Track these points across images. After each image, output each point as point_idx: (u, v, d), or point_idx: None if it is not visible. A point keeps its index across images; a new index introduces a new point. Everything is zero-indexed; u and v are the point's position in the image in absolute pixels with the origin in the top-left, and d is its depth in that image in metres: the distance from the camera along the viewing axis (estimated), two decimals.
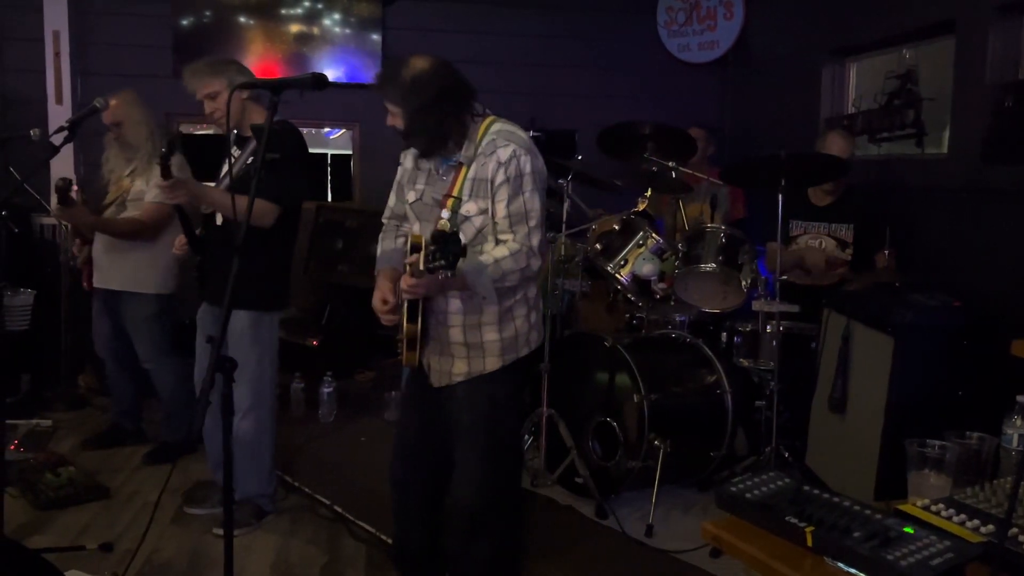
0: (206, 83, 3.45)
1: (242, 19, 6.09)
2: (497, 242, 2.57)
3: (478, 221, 2.55)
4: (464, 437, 2.69)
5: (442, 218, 2.57)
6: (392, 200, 2.89)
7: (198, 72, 3.46)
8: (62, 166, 5.42)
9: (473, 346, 2.64)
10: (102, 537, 3.45)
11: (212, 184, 3.62)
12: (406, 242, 2.75)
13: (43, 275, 5.04)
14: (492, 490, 2.72)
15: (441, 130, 2.54)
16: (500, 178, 2.52)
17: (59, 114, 5.58)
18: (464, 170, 2.57)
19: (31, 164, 3.58)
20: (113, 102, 4.09)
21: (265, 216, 3.31)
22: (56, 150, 3.44)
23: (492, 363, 2.66)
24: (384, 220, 2.91)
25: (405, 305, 2.56)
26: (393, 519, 3.01)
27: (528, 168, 2.54)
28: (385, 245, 2.86)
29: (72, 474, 3.95)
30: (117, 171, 4.23)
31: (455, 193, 2.57)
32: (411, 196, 2.73)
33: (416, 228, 2.70)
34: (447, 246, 2.20)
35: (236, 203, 2.51)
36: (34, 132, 3.85)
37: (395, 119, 2.56)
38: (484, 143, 2.56)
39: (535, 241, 2.56)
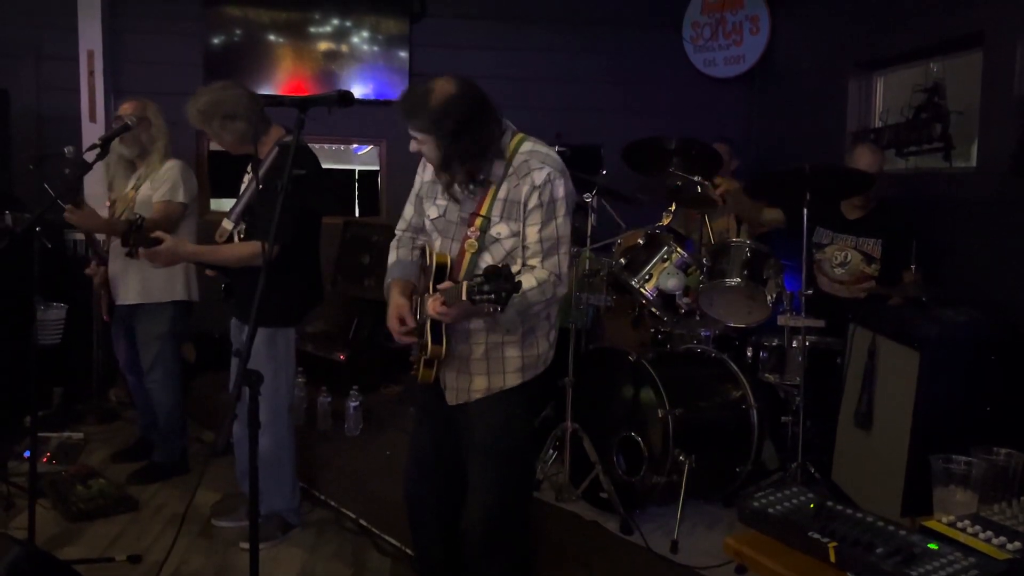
0: (199, 122, 3.49)
1: (272, 37, 6.17)
2: (523, 265, 2.52)
3: (508, 244, 2.52)
4: (477, 455, 2.68)
5: (469, 237, 2.52)
6: (409, 211, 2.82)
7: (191, 116, 3.48)
8: (95, 183, 5.52)
9: (494, 361, 2.62)
10: (131, 549, 3.50)
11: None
12: (422, 255, 2.72)
13: (75, 290, 5.12)
14: (504, 513, 2.70)
15: (478, 153, 2.46)
16: (534, 202, 2.48)
17: (93, 132, 5.68)
18: (493, 189, 2.51)
19: (65, 180, 3.65)
20: (127, 106, 4.15)
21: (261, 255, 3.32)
22: (88, 167, 3.50)
23: (512, 379, 2.64)
24: (398, 232, 2.86)
25: (428, 324, 2.53)
26: (411, 535, 3.02)
27: (561, 193, 2.51)
28: (401, 254, 2.81)
29: (102, 486, 4.00)
30: (120, 182, 4.27)
31: (483, 212, 2.51)
32: (433, 212, 2.67)
33: (438, 244, 2.66)
34: (499, 281, 2.14)
35: (271, 236, 2.49)
36: (68, 149, 3.93)
37: (421, 145, 2.49)
38: (516, 163, 2.51)
39: (564, 268, 2.54)
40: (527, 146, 2.55)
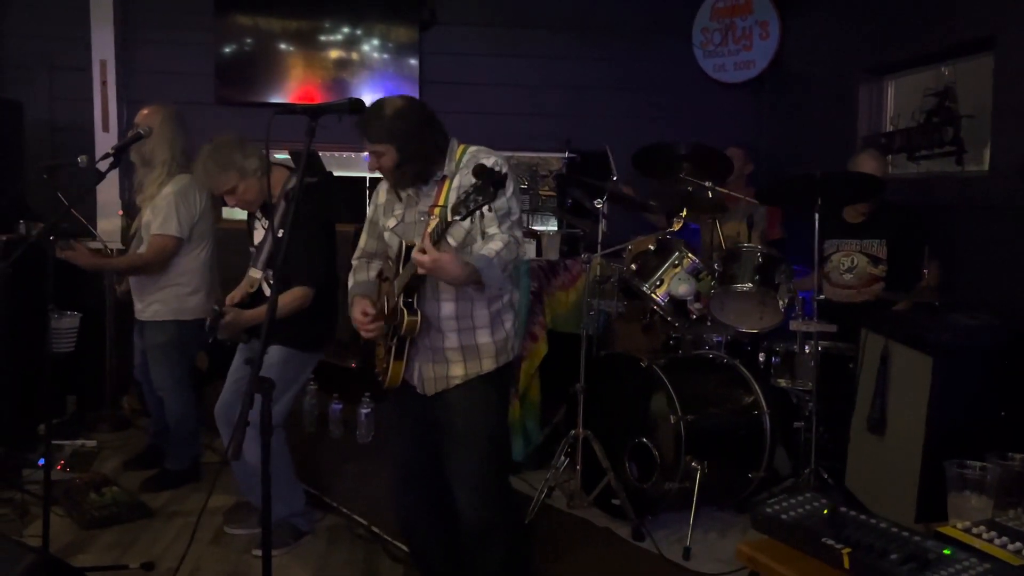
0: (220, 182, 3.45)
1: (282, 46, 6.20)
2: (483, 237, 2.67)
3: (466, 223, 2.60)
4: (458, 444, 2.75)
5: (430, 225, 2.61)
6: (363, 240, 3.01)
7: (208, 173, 3.45)
8: (108, 192, 5.55)
9: (468, 348, 2.74)
10: (144, 556, 3.50)
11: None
12: (379, 274, 2.90)
13: (88, 299, 5.14)
14: (492, 500, 2.78)
15: (430, 153, 2.71)
16: None
17: (106, 141, 5.71)
18: (448, 182, 2.70)
19: (79, 190, 3.67)
20: (146, 111, 4.10)
21: (304, 300, 3.43)
22: (102, 176, 3.51)
23: (488, 364, 2.76)
24: (354, 261, 3.03)
25: (401, 300, 2.63)
26: (409, 547, 3.05)
27: (509, 175, 2.68)
28: (358, 277, 2.98)
29: (116, 494, 4.02)
30: (144, 193, 4.22)
31: (441, 203, 2.67)
32: (391, 222, 2.84)
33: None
34: (485, 178, 2.25)
35: (278, 260, 2.59)
36: (81, 159, 3.94)
37: (379, 160, 2.68)
38: (465, 159, 2.72)
39: (518, 233, 2.71)
40: (473, 148, 2.79)
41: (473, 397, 2.75)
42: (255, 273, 3.55)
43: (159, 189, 4.08)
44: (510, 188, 2.70)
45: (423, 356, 2.76)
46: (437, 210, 2.64)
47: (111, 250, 4.93)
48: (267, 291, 3.51)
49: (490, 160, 2.67)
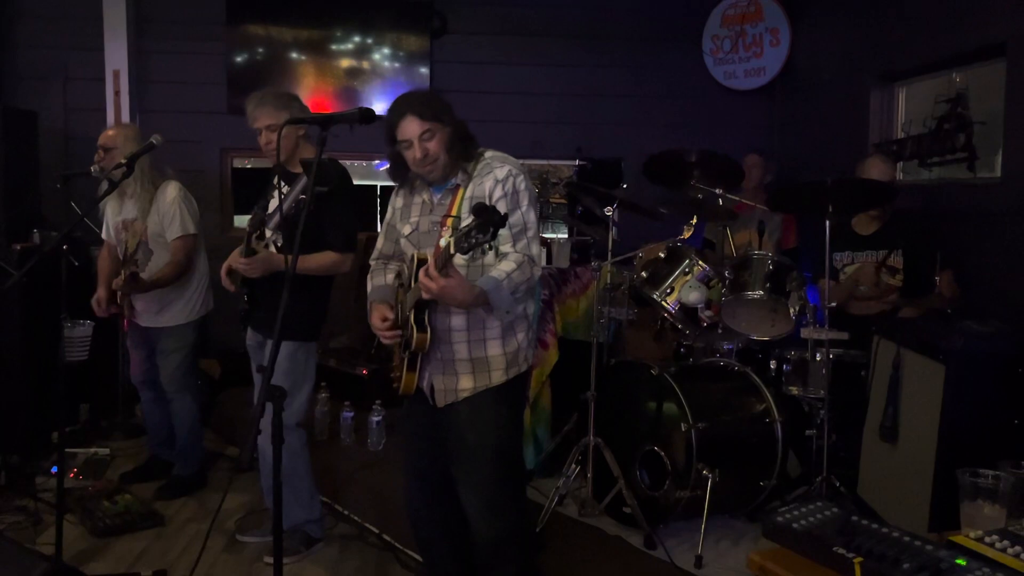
0: (270, 115, 3.51)
1: (294, 55, 6.24)
2: (497, 254, 2.63)
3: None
4: (468, 456, 2.73)
5: (443, 236, 2.62)
6: (380, 242, 3.00)
7: (264, 103, 3.53)
8: None
9: (478, 361, 2.72)
10: (156, 564, 3.52)
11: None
12: (397, 277, 2.86)
13: None
14: (504, 515, 2.76)
15: (468, 144, 2.71)
16: (498, 193, 2.65)
17: None
18: (461, 192, 2.69)
19: (91, 199, 3.69)
20: (111, 132, 4.17)
21: (344, 264, 3.50)
22: (115, 186, 3.54)
23: (498, 376, 2.73)
24: (372, 261, 3.01)
25: (412, 316, 2.62)
26: (421, 554, 3.02)
27: (523, 186, 2.70)
28: (376, 281, 2.95)
29: (128, 502, 4.04)
30: (114, 210, 4.28)
31: (454, 213, 2.67)
32: (407, 229, 2.83)
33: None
34: (484, 216, 2.21)
35: (295, 250, 2.53)
36: (95, 168, 3.97)
37: (428, 142, 2.62)
38: (479, 167, 2.72)
39: (534, 251, 2.68)
40: (489, 153, 2.78)
41: (483, 410, 2.72)
42: (266, 232, 3.59)
43: (146, 203, 4.15)
44: (525, 200, 2.68)
45: (434, 367, 2.75)
46: (450, 221, 2.63)
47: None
48: (273, 251, 3.55)
49: (503, 171, 2.67)
